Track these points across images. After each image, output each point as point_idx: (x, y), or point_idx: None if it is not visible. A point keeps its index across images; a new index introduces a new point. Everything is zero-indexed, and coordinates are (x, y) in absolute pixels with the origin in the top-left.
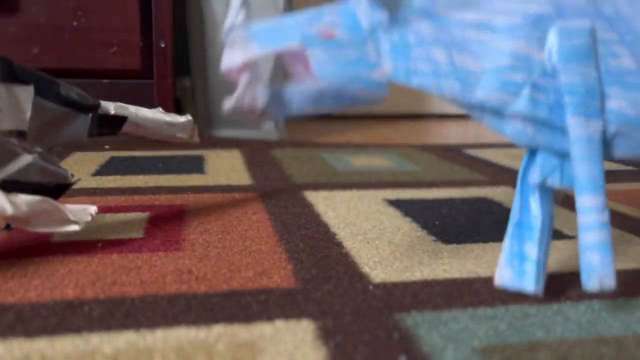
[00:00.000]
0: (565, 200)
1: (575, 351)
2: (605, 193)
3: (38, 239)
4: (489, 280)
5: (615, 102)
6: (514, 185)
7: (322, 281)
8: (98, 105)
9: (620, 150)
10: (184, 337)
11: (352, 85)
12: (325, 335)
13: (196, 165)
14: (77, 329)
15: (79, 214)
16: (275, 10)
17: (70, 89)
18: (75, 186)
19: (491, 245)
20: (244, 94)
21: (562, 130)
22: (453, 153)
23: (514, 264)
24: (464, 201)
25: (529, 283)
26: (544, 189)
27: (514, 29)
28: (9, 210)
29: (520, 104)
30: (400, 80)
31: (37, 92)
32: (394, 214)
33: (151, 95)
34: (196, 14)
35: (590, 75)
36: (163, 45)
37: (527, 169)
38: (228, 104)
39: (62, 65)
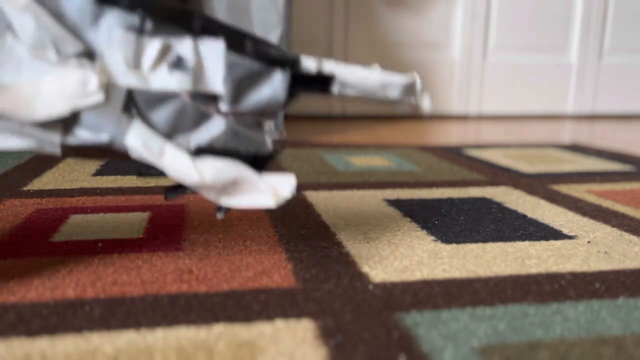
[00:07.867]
0: (564, 199)
1: (574, 351)
2: None
3: (38, 239)
4: (488, 280)
5: None
6: (513, 185)
7: (322, 281)
8: (297, 60)
9: None
10: (185, 336)
11: None
12: (325, 334)
13: None
14: (78, 329)
15: (277, 186)
16: (275, 10)
17: (262, 41)
18: (75, 186)
19: (491, 245)
20: None
21: None
22: (453, 153)
23: None
24: (463, 201)
25: None
26: None
27: None
28: (195, 177)
29: None
30: None
31: (229, 46)
32: (394, 214)
33: None
34: None
35: None
36: None
37: None
38: None
39: None
